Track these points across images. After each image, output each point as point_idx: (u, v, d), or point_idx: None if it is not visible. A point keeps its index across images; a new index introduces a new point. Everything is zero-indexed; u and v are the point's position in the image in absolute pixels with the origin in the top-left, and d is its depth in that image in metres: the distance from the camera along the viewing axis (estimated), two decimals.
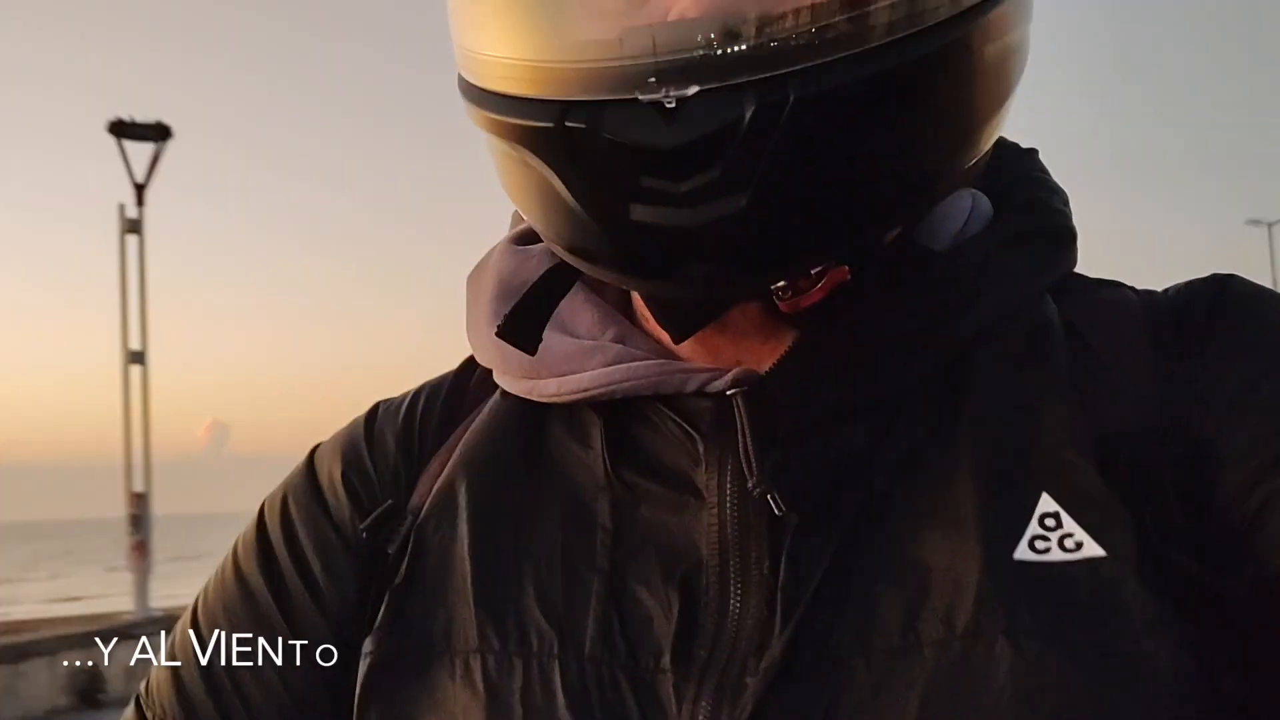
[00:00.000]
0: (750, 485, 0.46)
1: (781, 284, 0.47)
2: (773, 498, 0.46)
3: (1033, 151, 0.56)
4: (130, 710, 0.57)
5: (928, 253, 0.50)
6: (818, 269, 0.47)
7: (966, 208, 0.53)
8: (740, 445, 0.47)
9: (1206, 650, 0.41)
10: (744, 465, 0.46)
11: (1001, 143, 0.54)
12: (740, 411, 0.47)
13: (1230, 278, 0.49)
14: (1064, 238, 0.53)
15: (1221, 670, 0.41)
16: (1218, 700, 0.41)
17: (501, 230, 0.61)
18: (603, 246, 0.45)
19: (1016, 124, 0.51)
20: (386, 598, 0.52)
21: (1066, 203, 0.54)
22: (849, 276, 0.48)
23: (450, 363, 0.62)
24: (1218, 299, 0.48)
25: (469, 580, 0.51)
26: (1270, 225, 26.02)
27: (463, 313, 0.59)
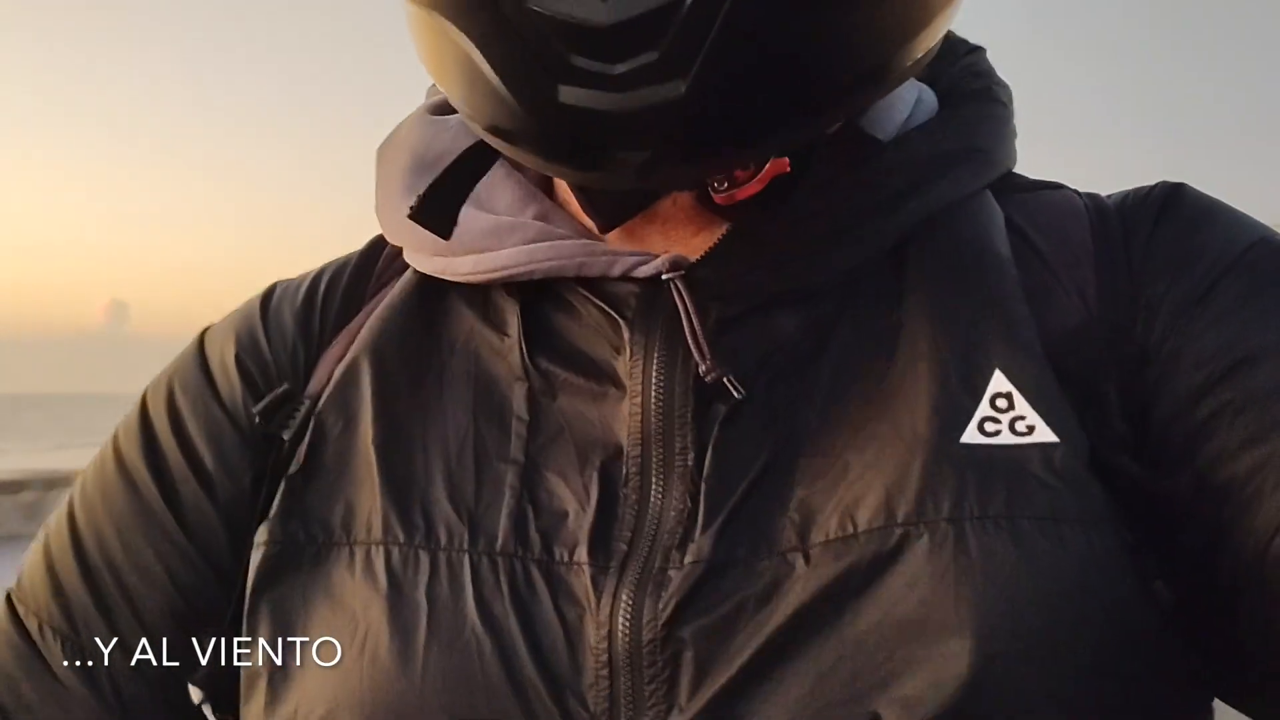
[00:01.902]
0: (703, 370, 0.44)
1: (718, 175, 0.44)
2: (729, 381, 0.44)
3: (980, 48, 0.54)
4: (0, 604, 0.53)
5: (873, 142, 0.48)
6: (757, 160, 0.44)
7: (912, 99, 0.51)
8: (687, 330, 0.45)
9: (1140, 552, 0.41)
10: (694, 350, 0.44)
11: (948, 37, 0.52)
12: (682, 295, 0.45)
13: (1181, 186, 0.48)
14: (1007, 133, 0.51)
15: (1153, 574, 0.41)
16: (1148, 602, 0.40)
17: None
18: (527, 129, 0.42)
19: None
20: (282, 485, 0.49)
21: (1010, 99, 0.52)
22: (789, 169, 0.45)
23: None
24: (1167, 206, 0.47)
25: (373, 469, 0.48)
26: None
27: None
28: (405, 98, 0.56)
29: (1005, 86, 0.52)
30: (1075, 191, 0.50)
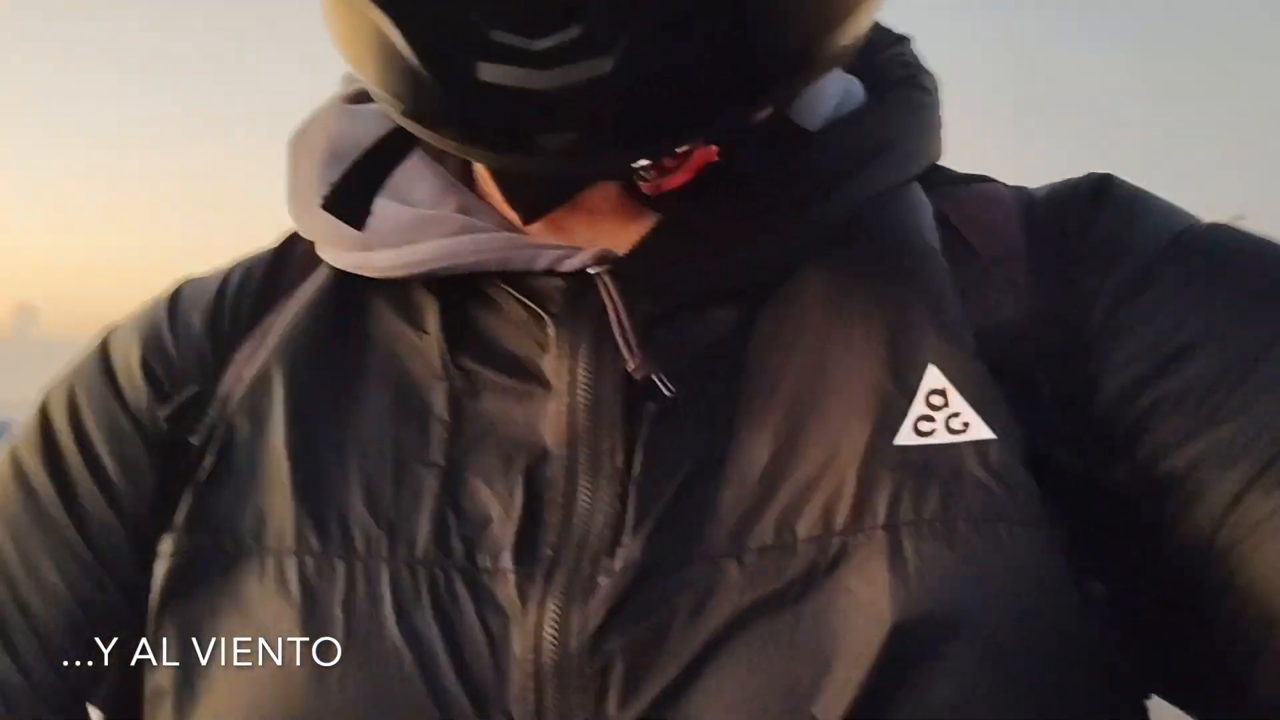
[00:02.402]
0: (632, 368, 0.42)
1: (645, 163, 0.42)
2: (659, 379, 0.42)
3: (906, 38, 0.53)
4: None
5: (801, 132, 0.47)
6: (685, 147, 0.42)
7: (840, 89, 0.50)
8: (615, 326, 0.43)
9: (1075, 549, 0.40)
10: (622, 347, 0.43)
11: (875, 27, 0.51)
12: (610, 290, 0.43)
13: (1108, 177, 0.47)
14: (934, 123, 0.51)
15: (1088, 571, 0.40)
16: (1083, 599, 0.40)
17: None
18: (444, 110, 0.40)
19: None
20: (189, 493, 0.46)
21: (937, 89, 0.52)
22: (717, 158, 0.44)
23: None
24: (1097, 197, 0.46)
25: (286, 475, 0.45)
26: None
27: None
28: (316, 95, 0.54)
29: (932, 76, 0.51)
30: (1003, 184, 0.49)
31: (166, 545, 0.45)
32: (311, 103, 0.54)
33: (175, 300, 0.53)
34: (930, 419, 0.41)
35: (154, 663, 0.44)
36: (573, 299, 0.45)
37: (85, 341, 0.54)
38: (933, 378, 0.42)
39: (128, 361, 0.51)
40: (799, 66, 0.41)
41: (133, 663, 0.45)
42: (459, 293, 0.48)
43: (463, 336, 0.47)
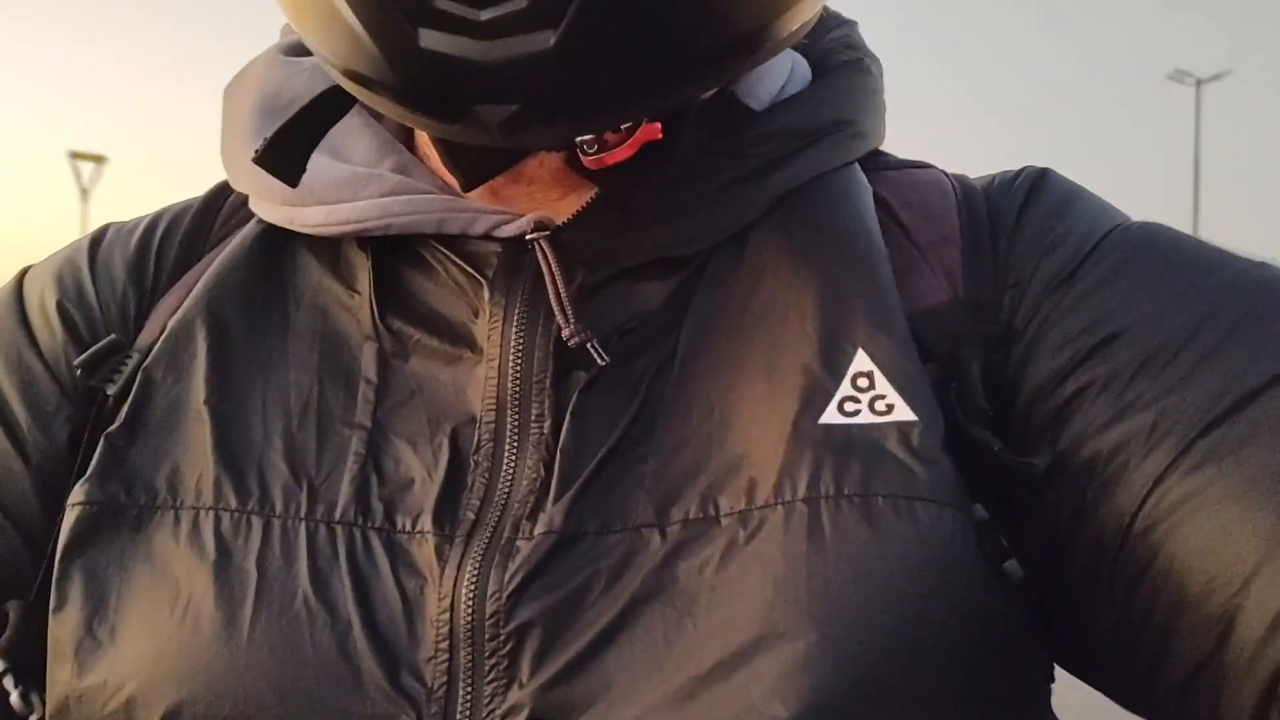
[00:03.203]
0: (566, 335, 0.42)
1: (589, 136, 0.42)
2: (593, 346, 0.42)
3: (852, 22, 0.54)
4: None
5: (746, 110, 0.47)
6: (629, 124, 0.42)
7: (786, 69, 0.50)
8: (551, 292, 0.43)
9: (993, 530, 0.41)
10: (558, 313, 0.42)
11: (823, 10, 0.52)
12: (547, 256, 0.43)
13: (1046, 171, 0.48)
14: (877, 106, 0.51)
15: (1005, 552, 0.41)
16: (998, 580, 0.40)
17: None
18: (385, 75, 0.39)
19: None
20: (103, 443, 0.45)
21: (881, 73, 0.52)
22: (660, 135, 0.43)
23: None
24: (1033, 192, 0.47)
25: (205, 429, 0.44)
26: (1199, 82, 23.95)
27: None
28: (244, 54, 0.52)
29: (877, 60, 0.52)
30: (943, 172, 0.50)
31: (77, 494, 0.44)
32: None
33: (98, 244, 0.52)
34: (856, 400, 0.41)
35: (57, 613, 0.43)
36: (508, 265, 0.44)
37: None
38: (860, 361, 0.42)
39: (44, 306, 0.50)
40: (747, 48, 0.41)
41: (34, 614, 0.44)
42: (392, 253, 0.47)
43: (393, 297, 0.46)
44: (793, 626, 0.37)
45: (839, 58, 0.51)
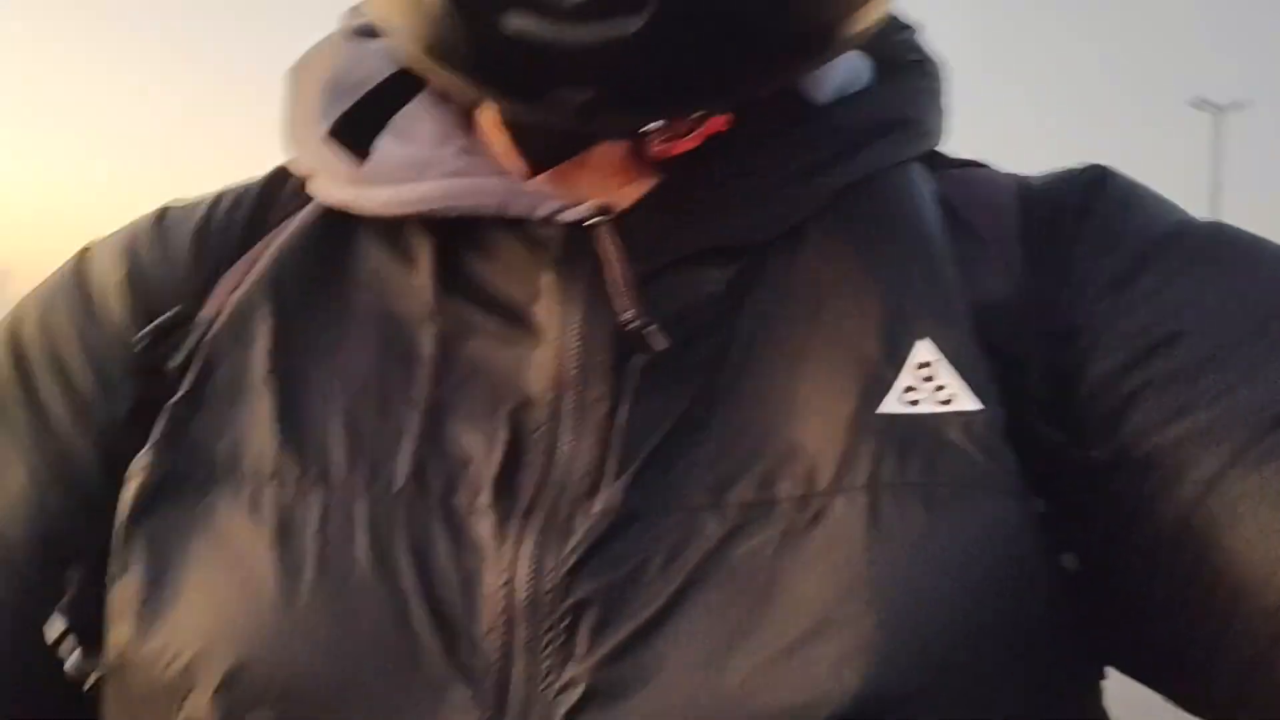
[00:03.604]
0: (626, 318, 0.43)
1: (657, 125, 0.43)
2: (653, 331, 0.42)
3: (914, 27, 0.55)
4: None
5: (808, 105, 0.48)
6: (700, 114, 0.43)
7: (850, 67, 0.50)
8: (615, 276, 0.43)
9: (1051, 522, 0.41)
10: (618, 298, 0.43)
11: (889, 13, 0.52)
12: (609, 241, 0.43)
13: (1107, 170, 0.48)
14: (939, 107, 0.52)
15: (1062, 545, 0.41)
16: (1054, 572, 0.41)
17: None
18: (466, 54, 0.40)
19: None
20: (165, 414, 0.46)
21: (942, 77, 0.53)
22: (726, 127, 0.44)
23: None
24: (1093, 190, 0.47)
25: (266, 403, 0.45)
26: (1220, 109, 23.74)
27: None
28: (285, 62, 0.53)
29: (939, 63, 0.52)
30: (1000, 171, 0.50)
31: (140, 463, 0.45)
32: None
33: (160, 221, 0.52)
34: (917, 389, 0.42)
35: (119, 577, 0.43)
36: (570, 249, 0.45)
37: None
38: (923, 350, 0.42)
39: (107, 279, 0.50)
40: (819, 45, 0.42)
41: (96, 578, 0.45)
42: (453, 236, 0.47)
43: (454, 279, 0.47)
44: (852, 612, 0.38)
45: (903, 58, 0.51)
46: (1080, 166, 0.49)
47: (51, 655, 0.45)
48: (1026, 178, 0.49)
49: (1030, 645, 0.39)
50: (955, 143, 0.52)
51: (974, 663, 0.38)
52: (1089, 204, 0.46)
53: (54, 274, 0.53)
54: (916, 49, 0.52)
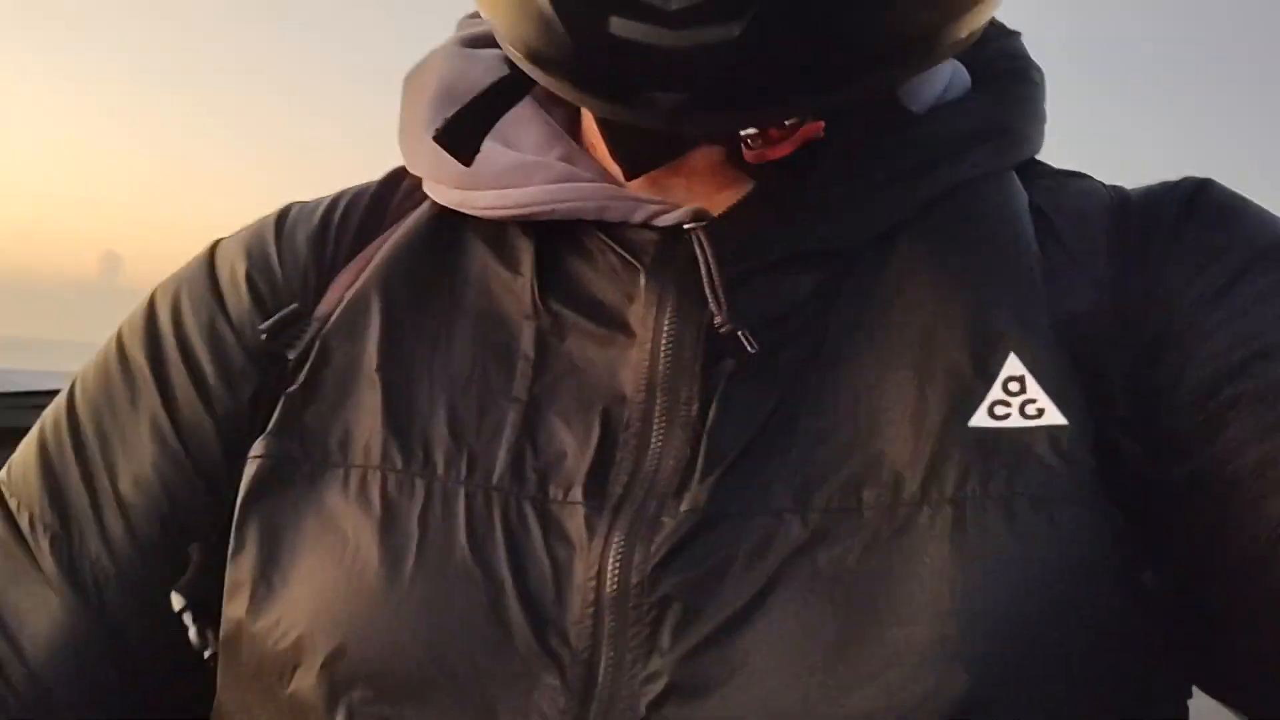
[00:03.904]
0: (718, 322, 0.44)
1: (753, 131, 0.44)
2: (744, 335, 0.43)
3: (1015, 33, 0.54)
4: None
5: (905, 112, 0.48)
6: (795, 119, 0.44)
7: (947, 75, 0.51)
8: (706, 281, 0.44)
9: (1132, 538, 0.41)
10: (711, 302, 0.44)
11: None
12: (703, 245, 0.45)
13: (1207, 182, 0.48)
14: (1037, 116, 0.51)
15: (1143, 561, 0.41)
16: (1134, 588, 0.40)
17: (424, 40, 0.56)
18: (570, 58, 0.41)
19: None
20: (281, 402, 0.49)
21: (1043, 83, 0.52)
22: (821, 134, 0.45)
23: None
24: (1191, 202, 0.47)
25: (376, 395, 0.48)
26: None
27: (391, 127, 0.55)
28: (410, 43, 0.55)
29: (1039, 70, 0.52)
30: (1098, 181, 0.50)
31: (257, 448, 0.48)
32: (408, 53, 0.56)
33: (283, 220, 0.55)
34: (1006, 404, 0.42)
35: (236, 556, 0.46)
36: (665, 253, 0.46)
37: None
38: (1012, 365, 0.43)
39: (233, 274, 0.54)
40: (920, 52, 0.42)
41: (214, 556, 0.48)
42: (554, 238, 0.49)
43: (553, 280, 0.49)
44: (933, 621, 0.38)
45: (1001, 66, 0.51)
46: (1180, 179, 0.48)
47: (171, 628, 0.49)
48: (1125, 190, 0.49)
49: (1110, 660, 0.39)
50: (1056, 152, 0.52)
51: (1054, 676, 0.38)
52: (1186, 216, 0.46)
53: (186, 265, 0.56)
54: (1016, 56, 0.52)
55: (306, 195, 0.58)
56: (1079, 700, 0.39)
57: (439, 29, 0.58)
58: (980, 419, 0.42)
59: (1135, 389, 0.43)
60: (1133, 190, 0.49)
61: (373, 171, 0.58)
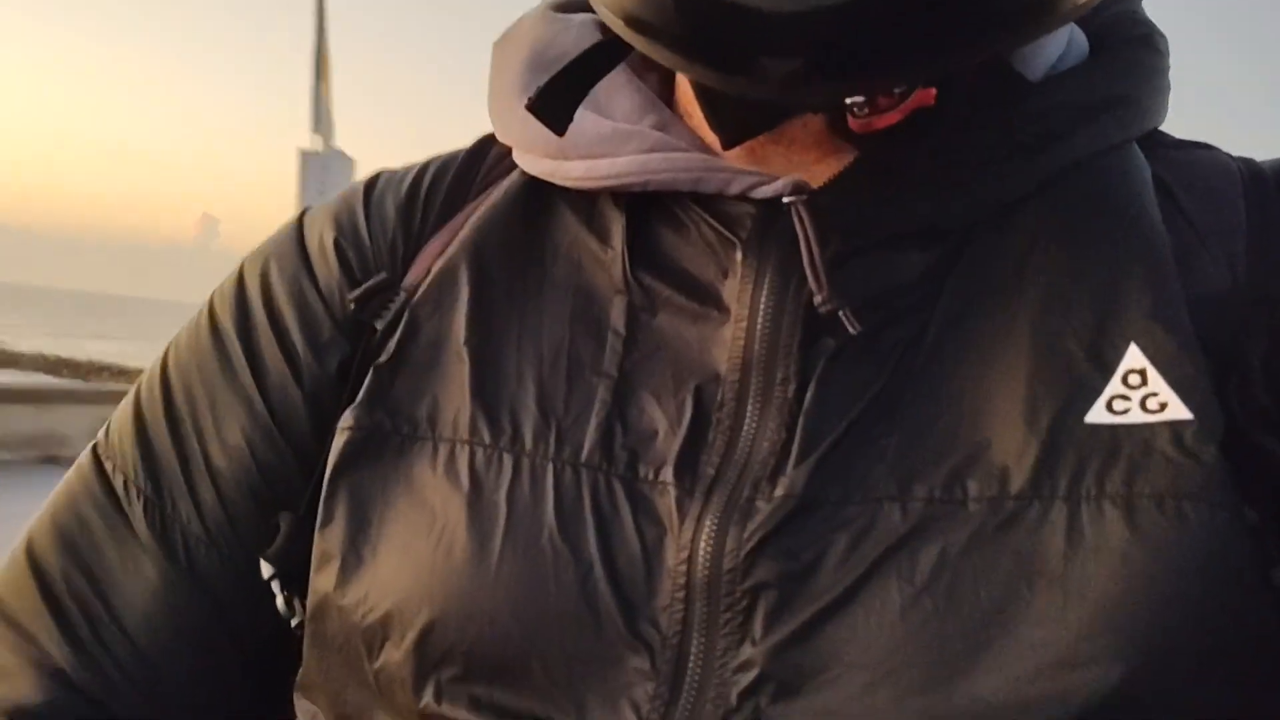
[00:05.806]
0: (818, 300, 0.42)
1: (859, 99, 0.41)
2: (845, 315, 0.41)
3: None
4: (86, 456, 0.53)
5: (1020, 81, 0.45)
6: (905, 87, 0.42)
7: (1064, 41, 0.48)
8: (805, 257, 0.42)
9: (1264, 534, 0.38)
10: (811, 279, 0.42)
11: None
12: (803, 220, 0.42)
13: None
14: (1161, 85, 0.48)
15: (1273, 560, 0.39)
16: (1265, 586, 0.38)
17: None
18: (672, 22, 0.39)
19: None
20: (370, 374, 0.48)
21: (1168, 51, 0.49)
22: (933, 102, 0.42)
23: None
24: None
25: (464, 368, 0.47)
26: None
27: (482, 87, 0.53)
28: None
29: (1164, 37, 0.49)
30: (1226, 154, 0.47)
31: (346, 420, 0.48)
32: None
33: (371, 189, 0.55)
34: (1126, 398, 0.40)
35: (324, 527, 0.46)
36: (763, 226, 0.44)
37: None
38: (1133, 357, 0.40)
39: (322, 243, 0.53)
40: (1039, 15, 0.40)
41: (303, 526, 0.48)
42: (646, 210, 0.48)
43: (645, 253, 0.47)
44: (1046, 622, 0.37)
45: (1123, 32, 0.48)
46: None
47: (267, 597, 0.49)
48: (1255, 162, 0.46)
49: (1238, 661, 0.37)
50: (1180, 123, 0.48)
51: (1180, 678, 0.36)
52: None
53: (275, 234, 0.56)
54: (1137, 21, 0.49)
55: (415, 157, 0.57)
56: (1206, 699, 0.37)
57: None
58: (1098, 414, 0.40)
59: (1273, 376, 0.40)
60: (1266, 163, 0.46)
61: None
